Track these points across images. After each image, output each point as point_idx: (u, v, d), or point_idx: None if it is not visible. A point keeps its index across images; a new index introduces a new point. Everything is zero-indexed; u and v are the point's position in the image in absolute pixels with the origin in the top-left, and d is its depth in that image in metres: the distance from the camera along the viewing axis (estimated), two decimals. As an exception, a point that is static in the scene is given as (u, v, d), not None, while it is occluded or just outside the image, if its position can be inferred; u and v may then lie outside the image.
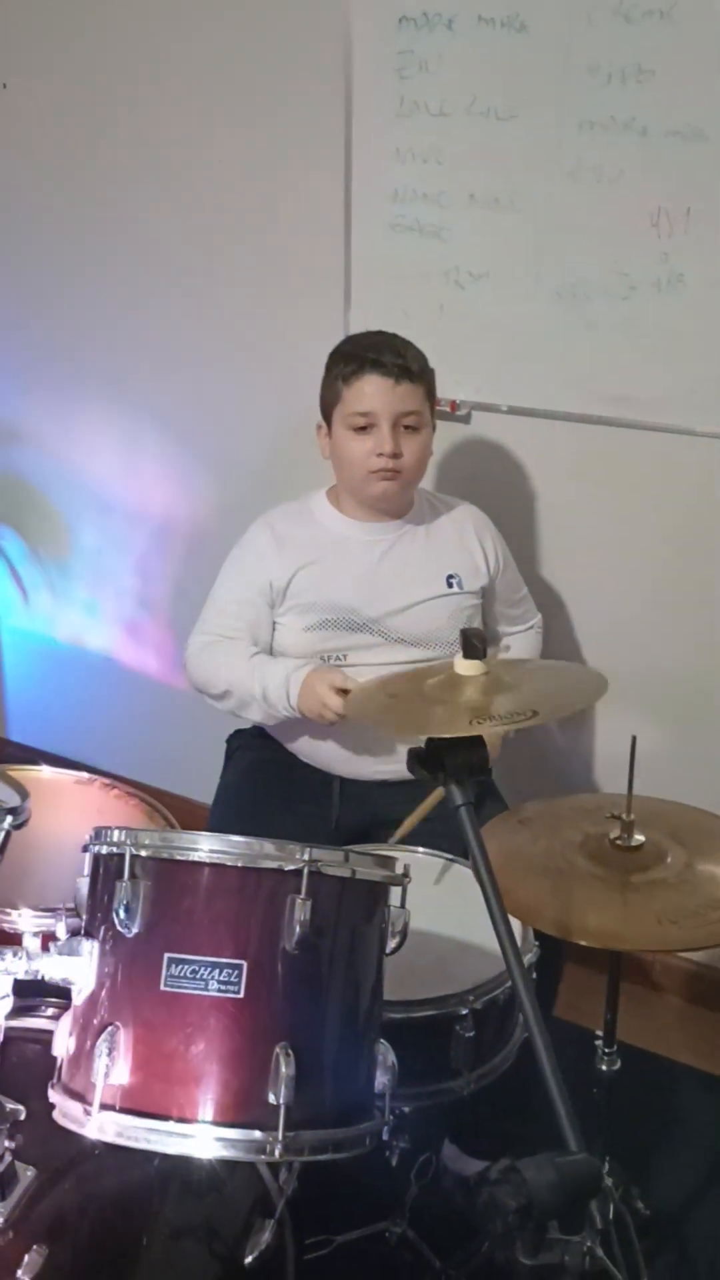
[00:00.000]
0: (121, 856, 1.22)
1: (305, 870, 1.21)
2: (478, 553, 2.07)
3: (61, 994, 1.31)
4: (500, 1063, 1.69)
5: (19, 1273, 1.22)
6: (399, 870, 1.35)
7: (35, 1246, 1.24)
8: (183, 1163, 1.37)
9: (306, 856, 1.21)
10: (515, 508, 2.42)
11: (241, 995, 1.18)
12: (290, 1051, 1.18)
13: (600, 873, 1.51)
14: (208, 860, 1.21)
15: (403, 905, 1.34)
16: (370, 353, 1.90)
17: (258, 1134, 1.16)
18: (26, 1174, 1.33)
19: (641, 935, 1.41)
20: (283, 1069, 1.16)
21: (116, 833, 1.25)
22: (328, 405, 1.97)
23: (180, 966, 1.19)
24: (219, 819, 2.03)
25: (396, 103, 2.31)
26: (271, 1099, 1.17)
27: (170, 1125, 1.17)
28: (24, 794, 1.51)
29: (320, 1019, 1.23)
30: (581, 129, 2.13)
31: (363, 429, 1.91)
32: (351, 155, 2.39)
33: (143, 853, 1.22)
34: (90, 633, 3.13)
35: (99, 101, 2.64)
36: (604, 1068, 1.69)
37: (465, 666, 1.31)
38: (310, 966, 1.22)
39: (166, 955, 1.19)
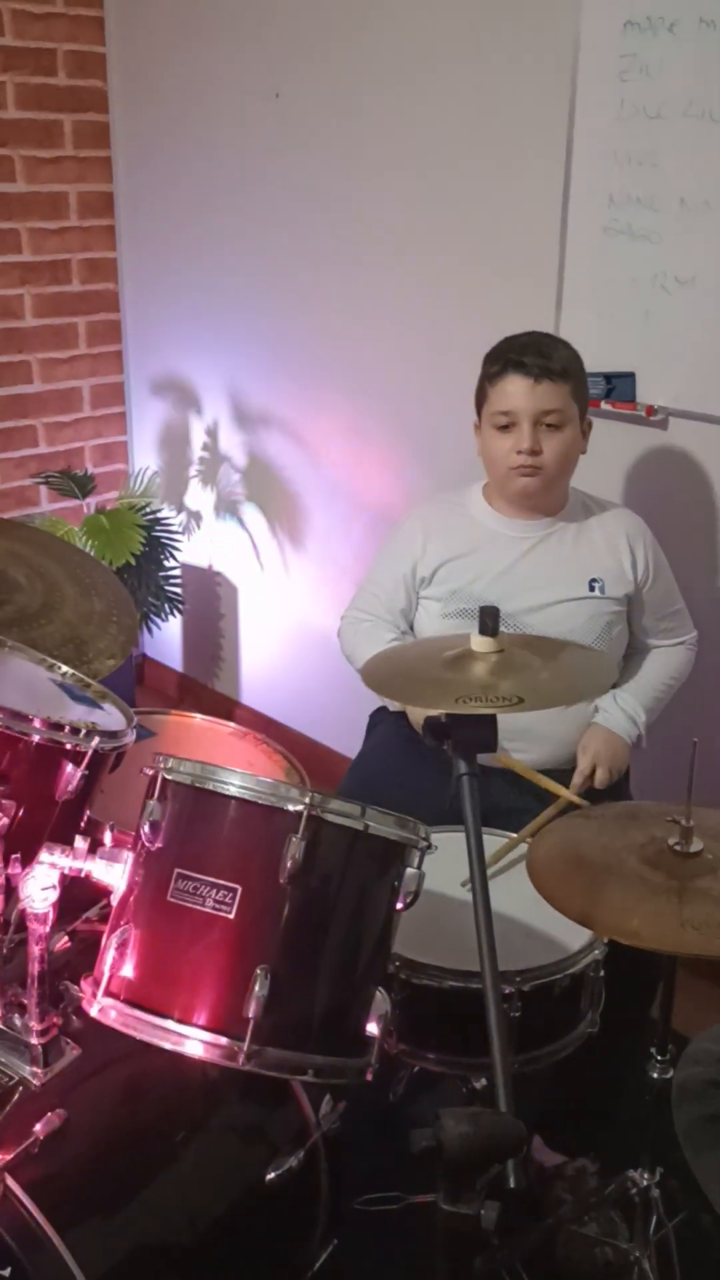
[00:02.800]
0: (157, 778, 1.37)
1: (305, 813, 1.31)
2: (626, 559, 2.07)
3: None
4: (553, 1051, 1.71)
5: (36, 1126, 1.39)
6: (422, 834, 1.41)
7: (56, 1110, 1.41)
8: (226, 1076, 1.50)
9: (308, 800, 1.31)
10: (704, 518, 2.38)
11: (233, 916, 1.30)
12: (269, 974, 1.28)
13: (645, 873, 1.51)
14: (223, 791, 1.34)
15: (419, 868, 1.41)
16: (514, 353, 1.97)
17: (224, 1040, 1.27)
18: (71, 1051, 1.51)
19: (657, 934, 1.40)
20: (256, 988, 1.27)
21: (160, 758, 1.40)
22: (478, 404, 2.05)
23: (185, 882, 1.32)
24: (345, 787, 2.15)
25: (617, 105, 2.33)
26: (245, 1013, 1.28)
27: (158, 1020, 1.31)
28: (130, 719, 1.69)
29: (305, 951, 1.33)
30: None
31: (505, 427, 1.98)
32: (572, 157, 2.43)
33: (173, 777, 1.37)
34: (314, 608, 3.32)
35: (355, 109, 2.81)
36: (655, 1075, 1.67)
37: (479, 643, 1.36)
38: (302, 902, 1.32)
39: (176, 870, 1.33)
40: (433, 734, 1.31)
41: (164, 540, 3.36)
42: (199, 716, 2.25)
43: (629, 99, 2.31)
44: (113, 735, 1.62)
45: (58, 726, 1.56)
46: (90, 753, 1.56)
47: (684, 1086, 0.88)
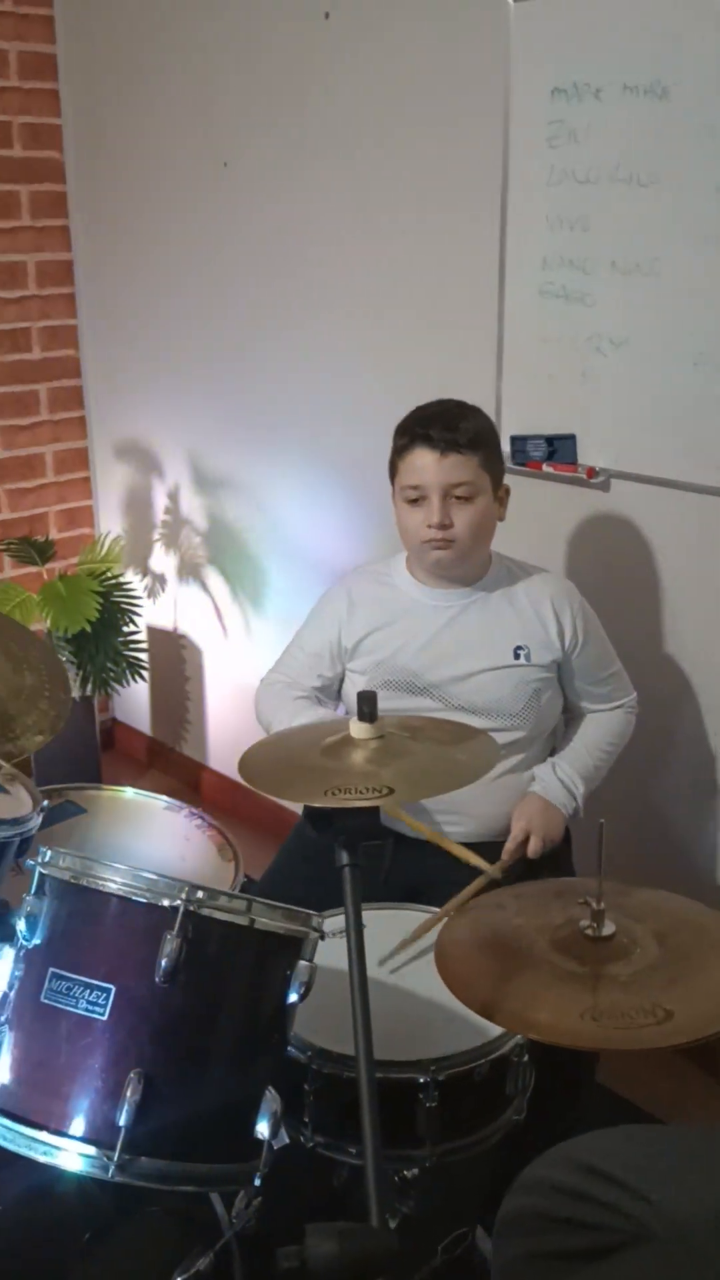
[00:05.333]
0: (37, 873, 1.33)
1: (181, 909, 1.26)
2: (552, 625, 2.03)
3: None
4: (476, 1141, 1.65)
5: None
6: (313, 925, 1.37)
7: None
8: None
9: (184, 896, 1.27)
10: (646, 579, 2.35)
11: (105, 1018, 1.26)
12: (142, 1078, 1.23)
13: (556, 959, 1.46)
14: (98, 888, 1.30)
15: (311, 959, 1.36)
16: (419, 426, 1.95)
17: (93, 1151, 1.22)
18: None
19: (555, 1026, 1.35)
20: (128, 1094, 1.22)
21: (41, 851, 1.37)
22: (391, 476, 2.02)
23: (59, 982, 1.28)
24: (274, 865, 2.11)
25: (547, 171, 2.33)
26: (118, 1121, 1.23)
27: (31, 1131, 1.26)
28: (36, 804, 1.65)
29: (184, 1054, 1.28)
30: (720, 194, 2.07)
31: (415, 501, 1.96)
32: (506, 222, 2.42)
33: (50, 872, 1.33)
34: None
35: (298, 178, 2.82)
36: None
37: (357, 729, 1.33)
38: (181, 1002, 1.28)
39: (51, 969, 1.29)
40: (313, 823, 1.27)
41: (124, 605, 3.34)
42: (131, 791, 2.21)
43: (558, 164, 2.31)
44: (13, 823, 1.59)
45: (-49, 816, 1.53)
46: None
47: (509, 1219, 0.82)
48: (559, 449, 2.43)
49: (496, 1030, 1.65)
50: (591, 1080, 2.01)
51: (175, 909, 1.27)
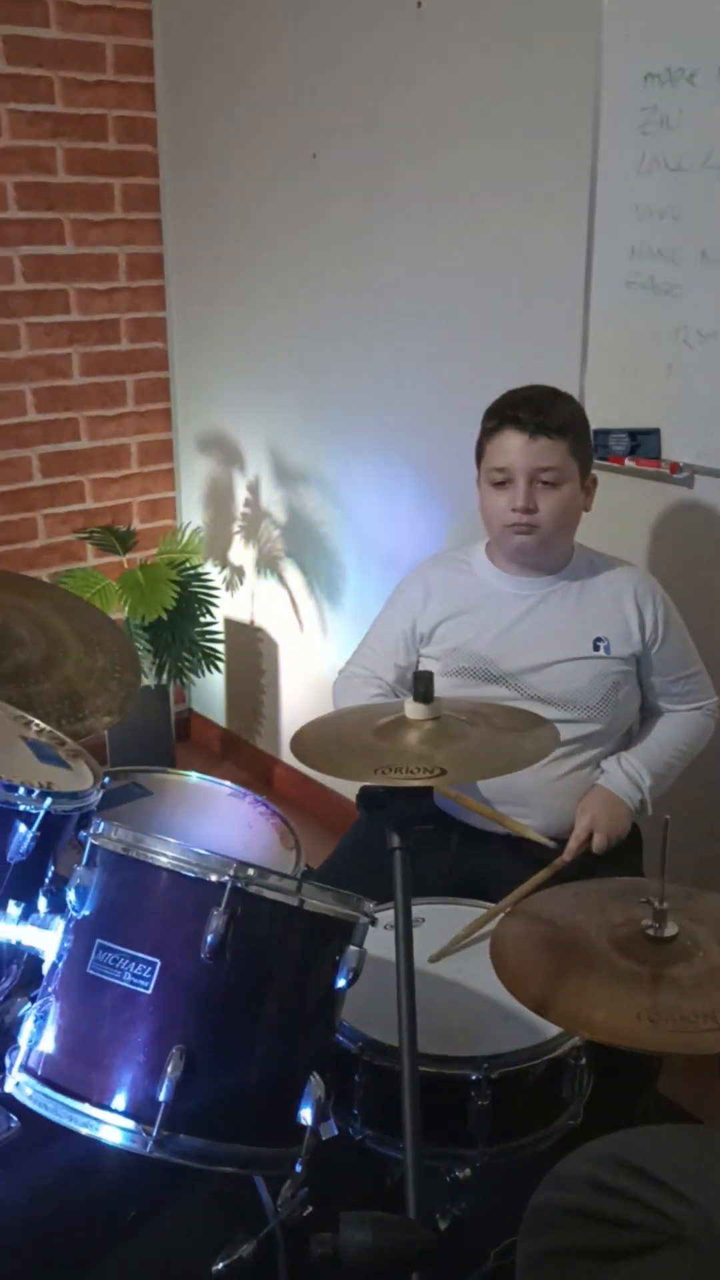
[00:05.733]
0: (89, 844, 1.33)
1: (229, 885, 1.25)
2: (633, 618, 1.98)
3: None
4: (529, 1144, 1.60)
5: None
6: (364, 910, 1.34)
7: (-18, 1185, 1.36)
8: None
9: (232, 873, 1.25)
10: (728, 578, 2.28)
11: (149, 991, 1.24)
12: (184, 1055, 1.22)
13: (612, 958, 1.41)
14: (149, 861, 1.28)
15: (361, 944, 1.33)
16: (510, 408, 1.91)
17: (132, 1125, 1.21)
18: (11, 1123, 1.46)
19: (612, 1027, 1.30)
20: (169, 1069, 1.21)
21: (96, 823, 1.36)
22: (477, 459, 1.99)
23: (105, 953, 1.27)
24: (337, 851, 2.08)
25: (638, 159, 2.28)
26: (158, 1096, 1.22)
27: (73, 1103, 1.25)
28: (97, 780, 1.66)
29: (227, 1032, 1.26)
30: None
31: (501, 484, 1.92)
32: (595, 211, 2.38)
33: (103, 844, 1.32)
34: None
35: (385, 168, 2.80)
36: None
37: (412, 710, 1.29)
38: (225, 979, 1.26)
39: (98, 941, 1.28)
40: (366, 805, 1.25)
41: (201, 595, 3.35)
42: (195, 775, 2.21)
43: (649, 151, 2.25)
44: (71, 796, 1.59)
45: (10, 786, 1.53)
46: (42, 814, 1.53)
47: (537, 1211, 0.78)
48: (642, 444, 2.37)
49: (554, 1031, 1.60)
50: (651, 1090, 1.95)
51: (223, 885, 1.25)
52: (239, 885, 1.25)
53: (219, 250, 3.40)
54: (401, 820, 1.22)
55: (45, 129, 3.27)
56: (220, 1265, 1.48)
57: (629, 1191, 0.75)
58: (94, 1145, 1.48)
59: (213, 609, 3.41)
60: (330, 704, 2.15)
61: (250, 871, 1.27)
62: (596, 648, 1.96)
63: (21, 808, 1.53)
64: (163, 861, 1.28)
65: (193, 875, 1.26)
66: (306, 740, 1.38)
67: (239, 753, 3.80)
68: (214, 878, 1.26)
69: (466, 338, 2.71)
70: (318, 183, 2.99)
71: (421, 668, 2.05)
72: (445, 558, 2.12)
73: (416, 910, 1.90)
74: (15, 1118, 1.47)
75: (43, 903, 1.42)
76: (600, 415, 2.42)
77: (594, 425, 2.41)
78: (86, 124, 3.34)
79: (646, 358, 2.34)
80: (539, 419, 1.88)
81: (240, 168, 3.25)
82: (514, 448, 1.89)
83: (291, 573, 3.41)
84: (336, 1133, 1.66)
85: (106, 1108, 1.24)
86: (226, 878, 1.25)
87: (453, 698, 1.83)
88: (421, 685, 1.30)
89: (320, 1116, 1.30)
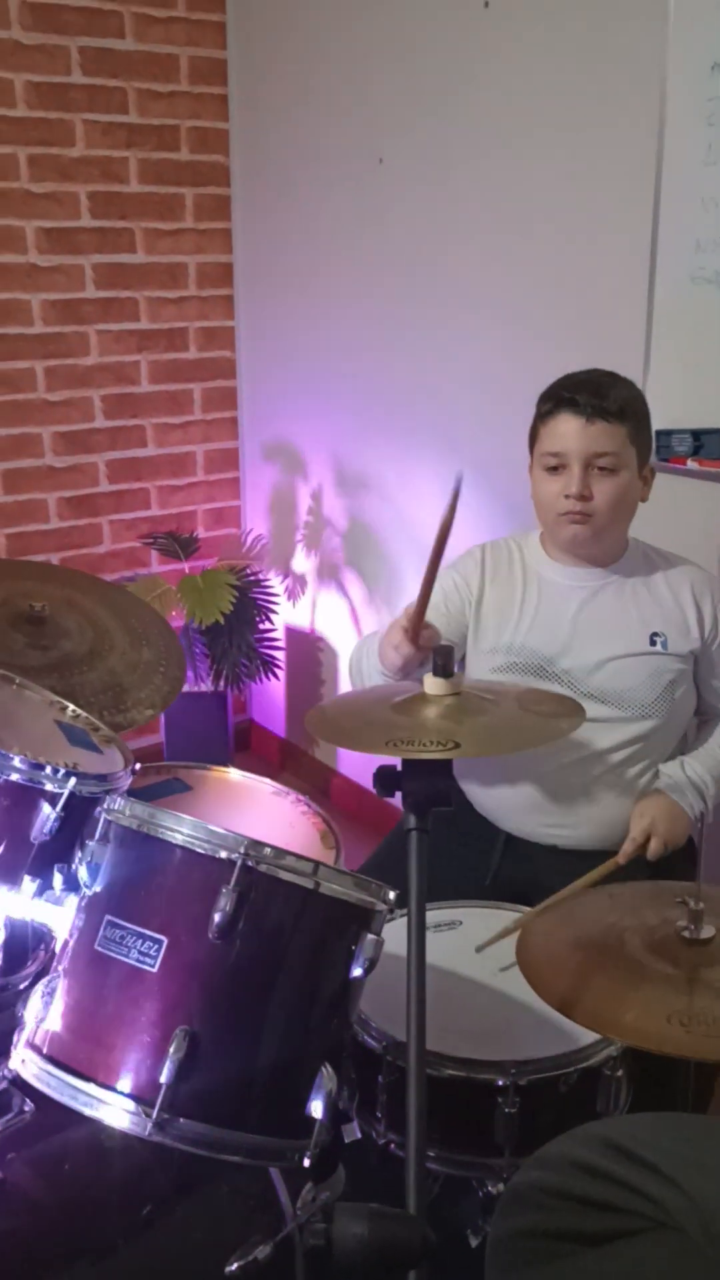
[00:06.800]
0: (103, 819, 1.30)
1: (239, 863, 1.21)
2: (691, 612, 1.90)
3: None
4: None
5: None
6: (383, 897, 1.29)
7: (-11, 1168, 1.33)
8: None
9: (242, 850, 1.21)
10: None
11: (155, 970, 1.21)
12: (188, 1036, 1.18)
13: (645, 959, 1.34)
14: (160, 836, 1.25)
15: (379, 933, 1.28)
16: (567, 391, 1.83)
17: (131, 1105, 1.17)
18: (25, 1107, 1.43)
19: (641, 1029, 1.23)
20: (172, 1049, 1.17)
21: (113, 798, 1.33)
22: (530, 444, 1.92)
23: (113, 930, 1.24)
24: (371, 858, 2.03)
25: (705, 150, 2.22)
26: (159, 1078, 1.18)
27: (78, 1081, 1.22)
28: (128, 765, 1.63)
29: (234, 1015, 1.22)
30: None
31: (555, 469, 1.85)
32: (660, 204, 2.32)
33: (117, 819, 1.29)
34: (407, 676, 3.23)
35: (450, 168, 2.78)
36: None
37: (431, 685, 1.24)
38: (233, 961, 1.22)
39: (106, 917, 1.25)
40: (382, 784, 1.20)
41: (260, 602, 3.34)
42: (236, 772, 2.18)
43: (717, 142, 2.20)
44: (98, 779, 1.56)
45: (36, 765, 1.52)
46: (66, 794, 1.51)
47: (515, 1191, 0.73)
48: (705, 444, 2.30)
49: (588, 1039, 1.53)
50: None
51: (233, 862, 1.21)
52: (250, 864, 1.21)
53: (287, 259, 3.40)
54: (418, 800, 1.17)
55: (119, 139, 3.31)
56: (234, 1266, 1.43)
57: (616, 1174, 0.69)
58: (110, 1133, 1.46)
59: (272, 615, 3.39)
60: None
61: (266, 851, 1.23)
62: (654, 643, 1.88)
63: (47, 787, 1.52)
64: (175, 838, 1.25)
65: (203, 852, 1.23)
66: (321, 716, 1.34)
67: (297, 763, 3.77)
68: (224, 854, 1.22)
69: (528, 341, 2.66)
70: (384, 188, 2.98)
71: (470, 663, 1.99)
72: (501, 544, 2.05)
73: (454, 913, 1.84)
74: (30, 1101, 1.44)
75: (58, 880, 1.39)
76: (663, 415, 2.36)
77: (656, 425, 2.35)
78: (160, 134, 3.38)
79: (711, 355, 2.27)
80: (597, 402, 1.80)
81: (308, 176, 3.25)
82: (570, 432, 1.82)
83: (352, 581, 3.38)
84: (360, 1136, 1.61)
85: (110, 1088, 1.20)
86: (237, 855, 1.21)
87: (476, 679, 1.77)
88: (441, 659, 1.25)
89: (331, 1109, 1.25)
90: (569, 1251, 0.65)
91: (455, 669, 1.26)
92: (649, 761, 1.92)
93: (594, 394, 1.81)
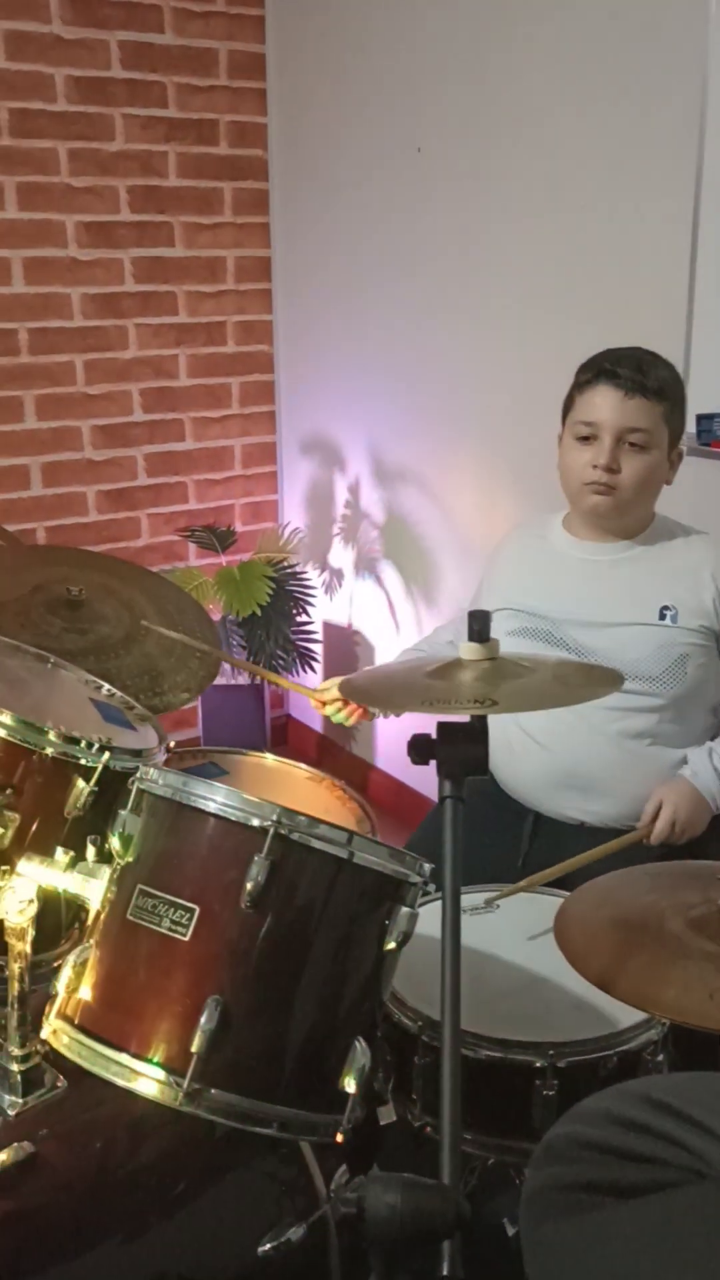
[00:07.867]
0: (135, 789, 1.29)
1: (272, 830, 1.20)
2: (708, 590, 1.87)
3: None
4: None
5: (-1, 1155, 1.30)
6: (418, 869, 1.27)
7: (19, 1144, 1.32)
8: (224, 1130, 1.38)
9: (275, 818, 1.20)
10: None
11: (187, 939, 1.20)
12: (220, 1006, 1.17)
13: (687, 937, 1.31)
14: (193, 805, 1.24)
15: (414, 906, 1.27)
16: (609, 363, 1.83)
17: (162, 1075, 1.16)
18: (57, 1083, 1.42)
19: (681, 1005, 1.20)
20: (203, 1020, 1.16)
21: (145, 769, 1.32)
22: (564, 413, 1.91)
23: (145, 899, 1.23)
24: (416, 834, 2.03)
25: (747, 135, 2.19)
26: (190, 1048, 1.17)
27: (111, 1052, 1.21)
28: (162, 742, 1.63)
29: (266, 985, 1.20)
30: None
31: (586, 439, 1.84)
32: (701, 194, 2.29)
33: (150, 788, 1.28)
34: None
35: (489, 156, 2.76)
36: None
37: (467, 650, 1.23)
38: (267, 931, 1.20)
39: (139, 886, 1.24)
40: (416, 752, 1.18)
41: (297, 594, 3.33)
42: (272, 758, 2.17)
43: (760, 121, 2.17)
44: (132, 754, 1.56)
45: (72, 740, 1.51)
46: (100, 769, 1.50)
47: (550, 1145, 0.71)
48: (748, 429, 2.27)
49: (628, 1022, 1.51)
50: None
51: (265, 830, 1.20)
52: (283, 832, 1.20)
53: (325, 253, 3.40)
54: (451, 766, 1.16)
55: (158, 133, 3.33)
56: (267, 1246, 1.42)
57: (655, 1127, 0.67)
58: (142, 1111, 1.45)
59: (309, 608, 3.39)
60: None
61: (299, 819, 1.21)
62: (663, 616, 1.86)
63: (81, 761, 1.52)
64: (209, 806, 1.23)
65: (236, 820, 1.21)
66: (357, 682, 1.33)
67: (335, 758, 3.75)
68: (257, 822, 1.21)
69: (567, 331, 2.64)
70: (422, 177, 2.97)
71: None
72: (525, 525, 2.07)
73: (487, 895, 1.82)
74: (62, 1077, 1.43)
75: (90, 851, 1.39)
76: (705, 399, 2.33)
77: (698, 409, 2.32)
78: (199, 128, 3.39)
79: (754, 337, 2.24)
80: (638, 378, 1.80)
81: (346, 169, 3.25)
82: (607, 403, 1.81)
83: (389, 575, 3.36)
84: (396, 1118, 1.59)
85: (143, 1058, 1.19)
86: (270, 823, 1.20)
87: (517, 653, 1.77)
88: (477, 624, 1.23)
89: (365, 1085, 1.23)
90: (602, 1203, 0.63)
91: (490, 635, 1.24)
92: (674, 741, 1.90)
93: (635, 369, 1.81)
